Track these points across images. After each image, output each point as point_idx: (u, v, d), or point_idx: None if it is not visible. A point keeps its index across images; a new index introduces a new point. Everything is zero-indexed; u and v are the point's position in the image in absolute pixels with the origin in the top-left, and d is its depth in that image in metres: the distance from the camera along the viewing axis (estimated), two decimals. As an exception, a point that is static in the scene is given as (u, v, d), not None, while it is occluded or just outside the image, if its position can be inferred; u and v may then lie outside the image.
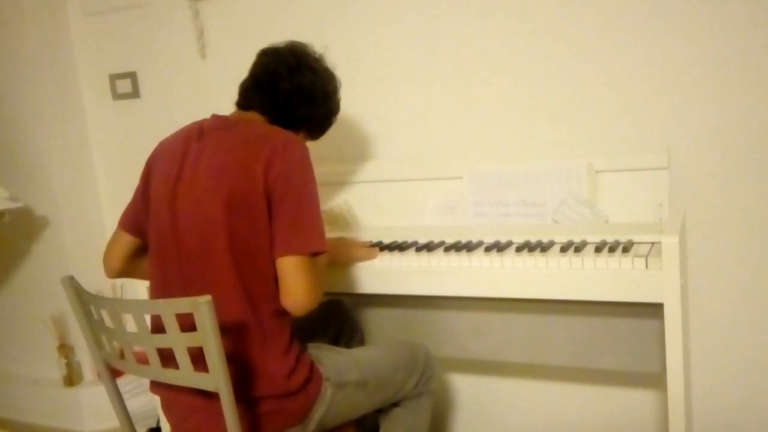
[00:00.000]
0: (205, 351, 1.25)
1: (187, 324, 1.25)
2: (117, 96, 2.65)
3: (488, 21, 1.98)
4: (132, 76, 2.60)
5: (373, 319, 1.99)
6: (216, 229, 1.39)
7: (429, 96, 2.09)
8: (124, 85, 2.62)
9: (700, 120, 1.80)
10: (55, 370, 2.72)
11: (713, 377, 1.89)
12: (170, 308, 1.26)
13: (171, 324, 1.26)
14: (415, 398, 1.69)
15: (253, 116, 1.57)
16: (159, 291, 1.48)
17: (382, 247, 1.76)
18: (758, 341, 1.83)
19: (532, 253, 1.57)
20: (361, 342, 1.97)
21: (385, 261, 1.69)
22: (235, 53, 2.38)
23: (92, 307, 1.43)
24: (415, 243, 1.77)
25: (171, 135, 1.57)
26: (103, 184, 2.77)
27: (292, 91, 1.57)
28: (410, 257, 1.67)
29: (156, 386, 1.49)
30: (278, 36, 2.28)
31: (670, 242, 1.39)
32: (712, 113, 1.78)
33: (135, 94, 2.62)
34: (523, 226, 1.82)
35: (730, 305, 1.84)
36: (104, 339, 1.46)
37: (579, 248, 1.55)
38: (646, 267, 1.43)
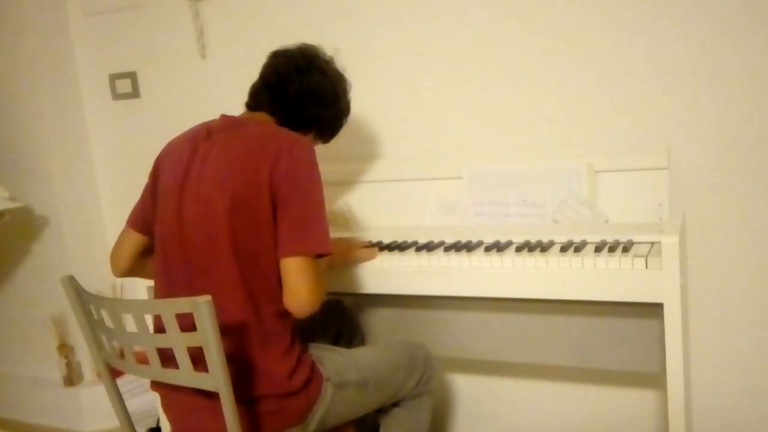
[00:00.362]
0: (205, 351, 1.25)
1: (188, 324, 1.25)
2: (117, 96, 2.65)
3: (488, 21, 1.98)
4: (132, 76, 2.60)
5: (373, 319, 1.99)
6: (220, 228, 1.39)
7: (429, 96, 2.09)
8: (124, 85, 2.62)
9: (700, 120, 1.80)
10: (55, 370, 2.72)
11: (713, 377, 1.89)
12: (170, 308, 1.26)
13: (171, 324, 1.26)
14: (415, 398, 1.69)
15: (262, 117, 1.58)
16: (163, 288, 1.49)
17: (382, 247, 1.76)
18: (758, 341, 1.83)
19: (532, 253, 1.57)
20: (362, 342, 1.97)
21: (385, 261, 1.69)
22: (235, 53, 2.38)
23: (92, 307, 1.43)
24: (415, 243, 1.77)
25: (180, 134, 1.58)
26: (103, 184, 2.77)
27: (301, 92, 1.58)
28: (410, 257, 1.67)
29: (156, 385, 1.49)
30: (278, 36, 2.28)
31: (670, 242, 1.39)
32: (712, 113, 1.78)
33: (135, 94, 2.62)
34: (523, 226, 1.82)
35: (730, 305, 1.84)
36: (104, 339, 1.46)
37: (579, 248, 1.55)
38: (646, 267, 1.43)
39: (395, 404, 1.67)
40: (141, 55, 2.57)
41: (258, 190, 1.39)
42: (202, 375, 1.27)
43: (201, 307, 1.21)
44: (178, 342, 1.27)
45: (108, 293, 2.69)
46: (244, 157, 1.42)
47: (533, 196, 1.84)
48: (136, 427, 1.54)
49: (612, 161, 1.78)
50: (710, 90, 1.77)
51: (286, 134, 1.49)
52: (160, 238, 1.49)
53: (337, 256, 1.65)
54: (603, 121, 1.89)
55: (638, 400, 1.97)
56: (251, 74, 2.34)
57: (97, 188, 2.77)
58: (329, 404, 1.47)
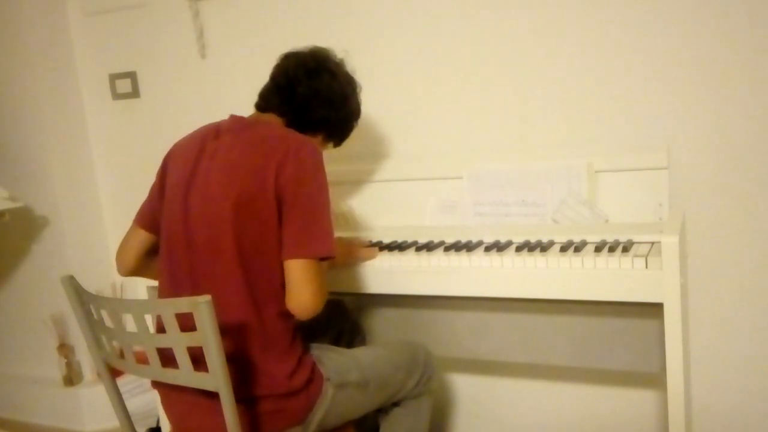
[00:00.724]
0: (204, 351, 1.25)
1: (189, 323, 1.25)
2: (117, 96, 2.65)
3: (488, 21, 1.98)
4: (132, 76, 2.60)
5: (374, 319, 1.99)
6: (224, 228, 1.39)
7: (429, 96, 2.09)
8: (124, 85, 2.62)
9: (700, 120, 1.79)
10: (55, 370, 2.72)
11: (713, 377, 1.89)
12: (170, 308, 1.26)
13: (171, 324, 1.26)
14: (415, 398, 1.69)
15: (271, 118, 1.59)
16: (166, 287, 1.50)
17: (382, 247, 1.76)
18: (758, 341, 1.83)
19: (531, 252, 1.57)
20: (362, 342, 1.97)
21: (385, 261, 1.69)
22: (235, 53, 2.38)
23: (92, 307, 1.43)
24: (415, 243, 1.77)
25: (189, 133, 1.58)
26: (103, 184, 2.77)
27: (309, 94, 1.58)
28: (410, 257, 1.67)
29: (157, 384, 1.49)
30: (278, 36, 2.29)
31: (669, 242, 1.39)
32: (712, 113, 1.78)
33: (135, 93, 2.62)
34: (523, 226, 1.82)
35: (730, 305, 1.84)
36: (104, 339, 1.46)
37: (579, 248, 1.55)
38: (646, 267, 1.43)
39: (395, 404, 1.68)
40: (141, 55, 2.57)
41: (264, 191, 1.39)
42: (202, 375, 1.27)
43: (201, 307, 1.21)
44: (178, 342, 1.27)
45: (108, 293, 2.69)
46: (251, 159, 1.42)
47: (533, 196, 1.84)
48: (136, 427, 1.54)
49: (612, 161, 1.78)
50: (710, 90, 1.77)
51: (294, 136, 1.49)
52: (166, 236, 1.50)
53: (338, 256, 1.65)
54: (603, 121, 1.89)
55: (638, 400, 1.97)
56: (251, 74, 2.35)
57: (97, 188, 2.77)
58: (330, 404, 1.47)
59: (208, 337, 1.23)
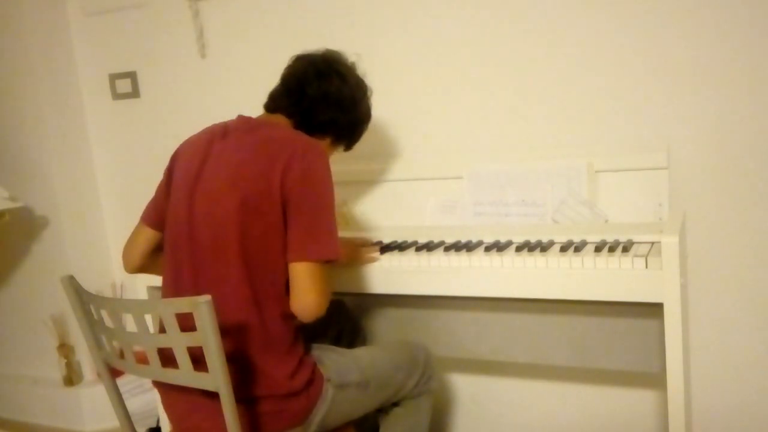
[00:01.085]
0: (204, 351, 1.25)
1: (191, 323, 1.25)
2: (117, 96, 2.65)
3: (487, 21, 1.98)
4: (132, 76, 2.60)
5: (374, 319, 1.99)
6: (229, 228, 1.39)
7: (429, 96, 2.09)
8: (124, 85, 2.62)
9: (700, 120, 1.80)
10: (55, 370, 2.72)
11: (713, 377, 1.89)
12: (170, 308, 1.26)
13: (171, 324, 1.26)
14: (415, 398, 1.69)
15: (279, 119, 1.58)
16: (169, 287, 1.50)
17: (382, 247, 1.76)
18: (758, 341, 1.83)
19: (531, 252, 1.56)
20: (363, 342, 1.97)
21: (385, 261, 1.69)
22: (235, 53, 2.38)
23: (92, 307, 1.43)
24: (415, 243, 1.77)
25: (196, 133, 1.58)
26: (103, 184, 2.77)
27: (318, 96, 1.58)
28: (410, 257, 1.67)
29: (158, 383, 1.49)
30: (278, 36, 2.29)
31: (669, 242, 1.39)
32: (712, 113, 1.78)
33: (135, 93, 2.62)
34: (523, 226, 1.82)
35: (730, 305, 1.84)
36: (104, 339, 1.46)
37: (579, 248, 1.55)
38: (646, 267, 1.43)
39: (395, 404, 1.68)
40: (141, 55, 2.57)
41: (269, 193, 1.39)
42: (202, 375, 1.27)
43: (201, 307, 1.21)
44: (178, 342, 1.27)
45: (108, 293, 2.69)
46: (257, 160, 1.42)
47: (533, 196, 1.84)
48: (136, 427, 1.54)
49: (612, 161, 1.79)
50: (710, 90, 1.77)
51: (301, 138, 1.49)
52: (170, 235, 1.50)
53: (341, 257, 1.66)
54: (603, 121, 1.89)
55: (638, 400, 1.97)
56: (251, 74, 2.36)
57: (97, 188, 2.77)
58: (330, 405, 1.47)
59: (208, 337, 1.23)
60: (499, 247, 1.63)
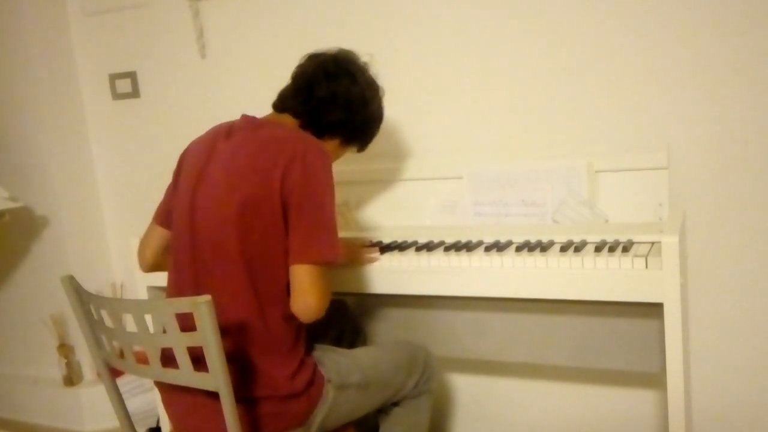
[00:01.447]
0: (204, 351, 1.25)
1: (191, 323, 1.25)
2: (117, 96, 2.65)
3: (488, 21, 1.98)
4: (132, 75, 2.60)
5: (374, 319, 1.99)
6: (229, 229, 1.39)
7: (429, 96, 2.09)
8: (124, 85, 2.62)
9: (700, 120, 1.80)
10: (55, 370, 2.72)
11: (713, 377, 1.89)
12: (170, 308, 1.26)
13: (171, 324, 1.26)
14: (415, 398, 1.69)
15: (285, 119, 1.57)
16: (172, 287, 1.50)
17: (382, 247, 1.76)
18: (758, 341, 1.83)
19: (531, 252, 1.56)
20: (364, 342, 1.97)
21: (385, 261, 1.69)
22: (235, 53, 2.38)
23: (92, 307, 1.43)
24: (415, 243, 1.77)
25: (203, 133, 1.58)
26: (103, 184, 2.77)
27: (327, 97, 1.56)
28: (410, 257, 1.67)
29: (158, 382, 1.50)
30: (278, 36, 2.29)
31: (669, 242, 1.39)
32: (712, 113, 1.78)
33: (135, 93, 2.62)
34: (523, 226, 1.82)
35: (730, 305, 1.84)
36: (104, 339, 1.46)
37: (579, 248, 1.55)
38: (646, 267, 1.43)
39: (395, 404, 1.68)
40: (141, 55, 2.57)
41: (269, 194, 1.39)
42: (202, 375, 1.27)
43: (201, 307, 1.21)
44: (178, 342, 1.27)
45: (108, 293, 2.69)
46: (258, 161, 1.42)
47: (533, 196, 1.84)
48: (136, 427, 1.54)
49: (612, 161, 1.78)
50: (710, 90, 1.77)
51: (302, 139, 1.48)
52: (174, 235, 1.51)
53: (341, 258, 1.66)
54: (603, 121, 1.89)
55: (638, 400, 1.97)
56: (251, 74, 2.36)
57: (97, 188, 2.77)
58: (330, 406, 1.47)
59: (208, 337, 1.23)
60: (499, 247, 1.63)
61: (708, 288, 1.85)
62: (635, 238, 1.57)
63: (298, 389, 1.41)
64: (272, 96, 1.63)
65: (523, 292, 1.55)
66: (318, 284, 1.39)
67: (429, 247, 1.71)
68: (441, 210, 1.96)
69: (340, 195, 2.09)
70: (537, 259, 1.53)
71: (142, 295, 1.98)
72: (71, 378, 2.70)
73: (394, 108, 2.13)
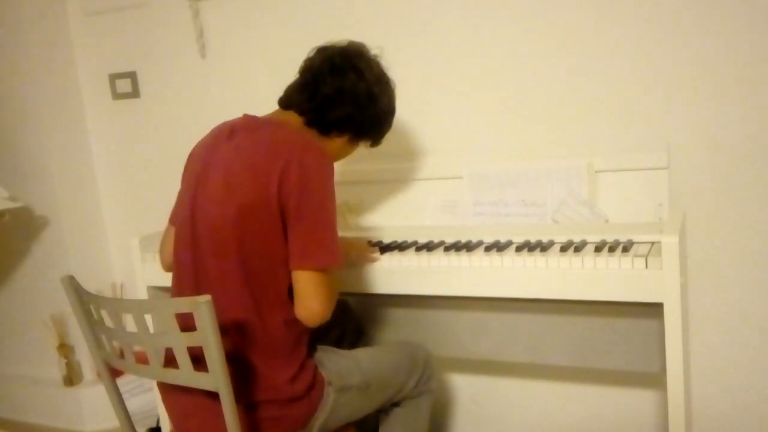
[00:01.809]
0: (204, 351, 1.25)
1: (191, 323, 1.25)
2: (117, 96, 2.65)
3: (488, 21, 1.98)
4: (132, 75, 2.60)
5: (373, 319, 1.99)
6: (227, 232, 1.39)
7: (429, 96, 2.09)
8: (124, 85, 2.62)
9: (700, 120, 1.79)
10: (55, 370, 2.72)
11: (713, 377, 1.89)
12: (170, 308, 1.26)
13: (171, 324, 1.26)
14: (415, 398, 1.69)
15: (288, 117, 1.54)
16: (174, 287, 1.51)
17: (382, 247, 1.76)
18: (758, 341, 1.83)
19: (531, 252, 1.56)
20: (365, 343, 1.97)
21: (384, 261, 1.69)
22: (235, 53, 2.38)
23: (92, 307, 1.43)
24: (415, 243, 1.77)
25: (207, 134, 1.56)
26: (103, 184, 2.77)
27: (332, 93, 1.51)
28: (410, 257, 1.66)
29: (159, 382, 1.49)
30: (278, 36, 2.29)
31: (669, 242, 1.39)
32: (712, 113, 1.78)
33: (135, 93, 2.62)
34: (523, 226, 1.82)
35: (730, 305, 1.84)
36: (104, 339, 1.46)
37: (579, 248, 1.55)
38: (646, 267, 1.43)
39: (395, 404, 1.67)
40: (141, 55, 2.57)
41: (266, 199, 1.36)
42: (202, 375, 1.27)
43: (201, 307, 1.21)
44: (178, 342, 1.27)
45: (108, 293, 2.69)
46: (255, 164, 1.39)
47: (533, 196, 1.84)
48: (136, 427, 1.54)
49: (612, 161, 1.78)
50: (710, 90, 1.77)
51: (300, 140, 1.44)
52: (176, 236, 1.51)
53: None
54: (603, 121, 1.89)
55: (638, 400, 1.97)
56: (251, 74, 2.36)
57: (97, 188, 2.77)
58: (331, 409, 1.47)
59: (208, 337, 1.23)
60: (499, 247, 1.63)
61: (708, 288, 1.85)
62: (635, 238, 1.57)
63: (299, 393, 1.41)
64: (272, 96, 1.62)
65: (523, 292, 1.55)
66: (320, 290, 1.37)
67: (429, 247, 1.71)
68: (441, 210, 1.96)
69: (340, 195, 2.09)
70: (537, 259, 1.53)
71: (142, 295, 1.98)
72: (71, 378, 2.70)
73: (394, 108, 2.13)
